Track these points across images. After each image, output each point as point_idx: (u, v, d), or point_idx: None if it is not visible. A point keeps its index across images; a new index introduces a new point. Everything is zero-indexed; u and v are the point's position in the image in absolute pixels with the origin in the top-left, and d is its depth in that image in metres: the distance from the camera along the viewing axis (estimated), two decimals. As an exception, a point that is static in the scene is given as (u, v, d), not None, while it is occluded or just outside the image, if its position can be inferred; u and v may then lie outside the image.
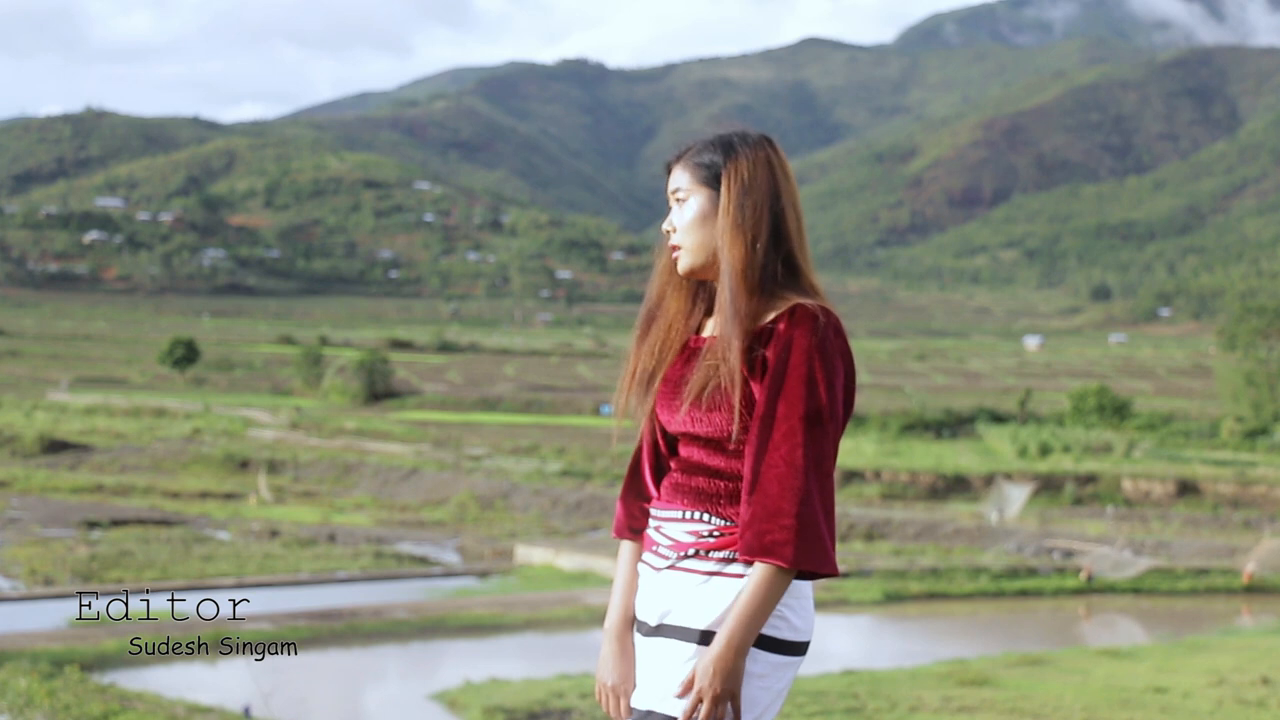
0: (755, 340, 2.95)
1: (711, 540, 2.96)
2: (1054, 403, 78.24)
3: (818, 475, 2.87)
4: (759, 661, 2.90)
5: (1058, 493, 52.35)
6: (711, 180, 3.03)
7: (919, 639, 31.40)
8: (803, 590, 2.97)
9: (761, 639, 2.91)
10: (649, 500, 3.14)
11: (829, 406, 2.89)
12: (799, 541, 2.84)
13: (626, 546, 3.18)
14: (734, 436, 2.94)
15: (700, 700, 2.86)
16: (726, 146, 3.05)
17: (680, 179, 3.08)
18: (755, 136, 3.08)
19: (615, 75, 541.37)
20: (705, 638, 2.92)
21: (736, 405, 2.92)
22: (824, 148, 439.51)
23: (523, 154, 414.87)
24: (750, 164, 3.02)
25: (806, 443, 2.87)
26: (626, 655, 3.10)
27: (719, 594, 2.93)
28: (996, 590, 35.70)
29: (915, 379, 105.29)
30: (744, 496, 2.90)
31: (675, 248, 3.08)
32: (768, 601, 2.85)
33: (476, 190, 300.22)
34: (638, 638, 3.06)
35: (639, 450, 3.19)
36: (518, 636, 28.75)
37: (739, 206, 2.99)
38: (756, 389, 2.93)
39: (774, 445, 2.87)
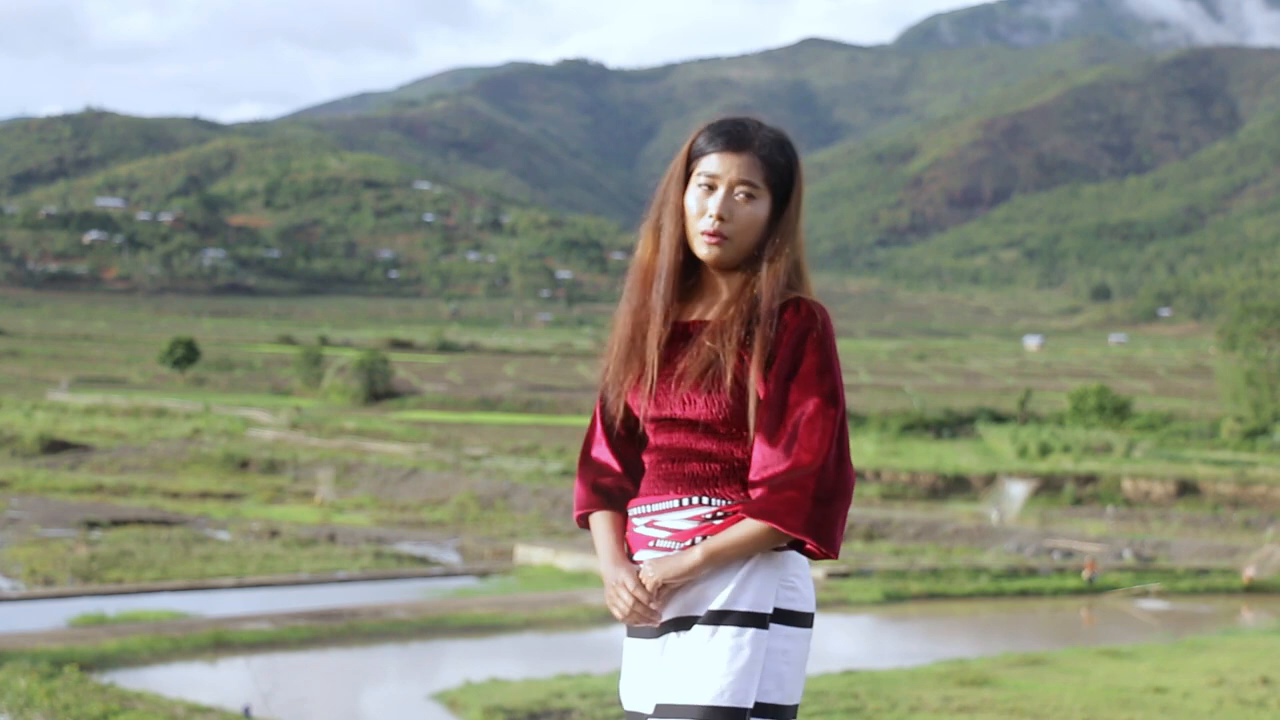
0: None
1: (717, 522, 2.95)
2: (1054, 403, 78.22)
3: (837, 453, 2.92)
4: (780, 636, 2.91)
5: (1058, 493, 52.34)
6: (778, 185, 3.02)
7: (919, 639, 31.40)
8: (805, 562, 3.00)
9: (782, 613, 2.92)
10: (614, 473, 3.10)
11: (841, 390, 2.96)
12: (813, 511, 2.88)
13: (599, 518, 3.10)
14: (731, 420, 2.96)
15: (640, 585, 2.93)
16: (789, 150, 3.05)
17: (753, 171, 2.98)
18: (790, 139, 3.09)
19: (615, 75, 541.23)
20: (717, 617, 2.90)
21: (751, 389, 2.94)
22: (824, 148, 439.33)
23: (523, 154, 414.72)
24: (802, 175, 3.06)
25: (825, 425, 2.91)
26: (625, 559, 3.04)
27: (726, 572, 2.92)
28: (996, 590, 35.70)
29: (915, 379, 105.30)
30: (756, 476, 2.91)
31: (714, 235, 2.97)
32: (748, 549, 2.90)
33: (476, 190, 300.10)
34: (642, 643, 3.02)
35: (589, 435, 3.17)
36: (518, 636, 28.73)
37: (796, 218, 3.04)
38: (755, 374, 2.94)
39: (785, 430, 2.90)
